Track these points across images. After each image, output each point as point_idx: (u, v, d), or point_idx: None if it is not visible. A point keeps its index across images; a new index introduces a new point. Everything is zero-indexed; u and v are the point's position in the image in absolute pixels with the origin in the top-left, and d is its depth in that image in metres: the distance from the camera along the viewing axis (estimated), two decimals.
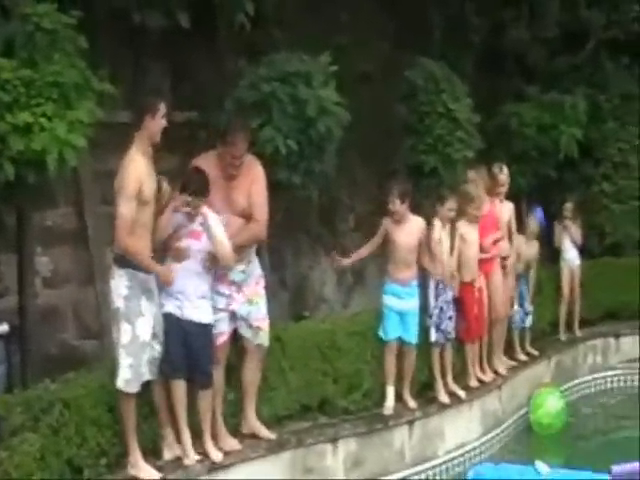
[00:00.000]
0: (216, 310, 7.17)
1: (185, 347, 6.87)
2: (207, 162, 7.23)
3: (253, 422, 7.57)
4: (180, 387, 6.86)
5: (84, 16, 6.62)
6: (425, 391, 8.87)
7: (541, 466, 8.38)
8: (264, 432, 7.55)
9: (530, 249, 10.77)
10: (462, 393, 9.11)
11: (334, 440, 7.79)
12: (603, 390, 12.03)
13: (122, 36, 7.94)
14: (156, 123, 6.57)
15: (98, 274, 7.97)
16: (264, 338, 7.49)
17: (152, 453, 6.81)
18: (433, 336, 8.87)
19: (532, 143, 11.75)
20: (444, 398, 8.91)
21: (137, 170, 6.41)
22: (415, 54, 9.96)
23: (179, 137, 7.77)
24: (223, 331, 7.27)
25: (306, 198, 8.42)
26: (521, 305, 10.70)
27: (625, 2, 12.72)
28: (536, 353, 10.99)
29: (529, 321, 10.82)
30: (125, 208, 6.34)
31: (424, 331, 8.78)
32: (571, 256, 11.64)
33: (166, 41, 8.14)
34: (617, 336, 12.44)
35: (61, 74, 6.41)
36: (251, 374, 7.51)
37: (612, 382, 12.17)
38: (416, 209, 8.64)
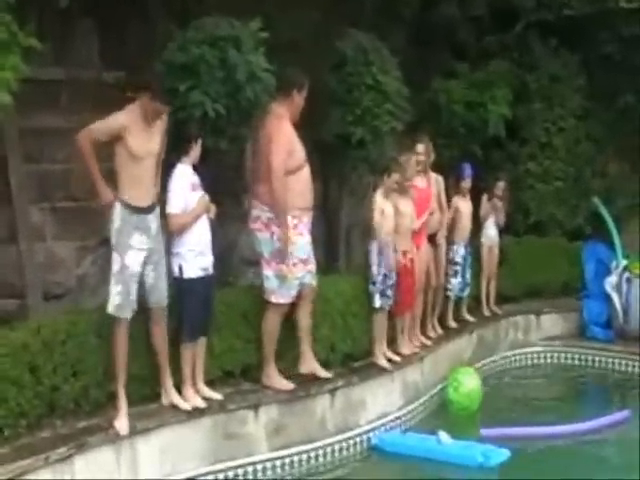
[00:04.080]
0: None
1: (208, 303, 7.50)
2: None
3: (312, 362, 8.25)
4: (190, 348, 7.40)
5: None
6: (347, 360, 8.91)
7: (443, 436, 8.62)
8: (322, 372, 8.30)
9: (464, 205, 10.97)
10: (397, 358, 9.34)
11: (256, 406, 7.79)
12: (523, 366, 12.20)
13: None
14: (150, 104, 6.87)
15: (21, 233, 7.85)
16: (315, 278, 8.21)
17: None
18: (377, 302, 9.03)
19: (460, 120, 11.88)
20: (384, 363, 9.12)
21: (123, 117, 6.80)
22: (346, 25, 9.97)
23: (106, 97, 7.65)
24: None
25: (233, 163, 8.41)
26: (463, 275, 10.94)
27: None
28: (472, 319, 11.32)
29: (467, 291, 11.14)
30: (97, 128, 6.78)
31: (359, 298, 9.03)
32: (492, 233, 11.76)
33: None
34: (538, 314, 12.60)
35: None
36: (307, 317, 8.21)
37: (532, 359, 12.36)
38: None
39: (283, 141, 7.82)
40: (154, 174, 7.10)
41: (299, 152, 7.98)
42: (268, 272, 7.98)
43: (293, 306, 8.15)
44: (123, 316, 6.91)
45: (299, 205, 7.93)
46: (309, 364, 8.29)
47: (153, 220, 7.06)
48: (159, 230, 7.14)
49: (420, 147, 9.91)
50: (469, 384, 9.88)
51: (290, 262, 7.92)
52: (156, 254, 7.11)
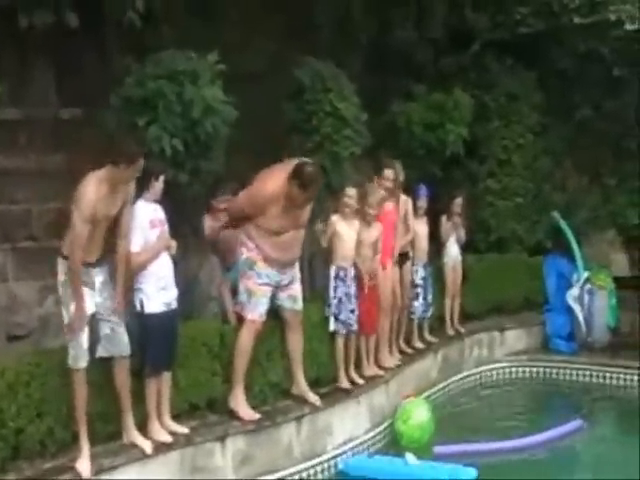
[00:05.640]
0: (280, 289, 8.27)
1: (172, 338, 7.45)
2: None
3: (302, 386, 8.60)
4: (154, 382, 7.34)
5: None
6: (314, 387, 8.93)
7: (410, 458, 8.67)
8: (311, 397, 8.58)
9: (421, 226, 10.96)
10: (361, 381, 9.38)
11: (222, 438, 7.78)
12: (489, 382, 12.29)
13: (6, 31, 7.78)
14: (123, 172, 6.74)
15: None
16: (301, 303, 8.46)
17: None
18: (332, 325, 9.10)
19: (419, 141, 11.95)
20: (346, 384, 9.18)
21: (95, 195, 6.64)
22: (303, 53, 10.01)
23: (64, 134, 7.65)
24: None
25: (193, 197, 8.43)
26: (424, 297, 10.98)
27: (509, 5, 12.96)
28: (434, 340, 11.34)
29: (430, 312, 11.18)
30: (80, 228, 6.62)
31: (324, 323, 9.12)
32: (454, 252, 11.84)
33: (52, 36, 7.96)
34: (502, 330, 12.72)
35: None
36: (296, 341, 8.51)
37: (497, 375, 12.45)
38: None
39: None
40: (105, 231, 6.96)
41: (278, 219, 8.04)
42: (240, 287, 8.21)
43: (282, 333, 8.44)
44: (77, 367, 6.82)
45: (271, 256, 8.11)
46: (300, 387, 8.58)
47: (98, 274, 6.95)
48: (106, 286, 7.02)
49: (388, 172, 9.93)
50: (419, 416, 9.55)
51: (258, 281, 8.09)
52: (105, 310, 7.00)
